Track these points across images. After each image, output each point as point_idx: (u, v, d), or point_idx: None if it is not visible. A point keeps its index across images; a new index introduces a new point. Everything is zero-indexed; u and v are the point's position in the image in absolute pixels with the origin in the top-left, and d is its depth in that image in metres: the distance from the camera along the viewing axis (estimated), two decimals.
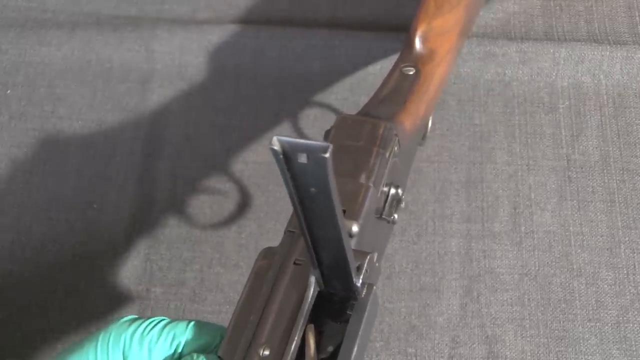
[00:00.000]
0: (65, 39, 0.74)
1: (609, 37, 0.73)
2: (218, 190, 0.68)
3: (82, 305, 0.63)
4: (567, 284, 0.63)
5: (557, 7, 0.75)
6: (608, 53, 0.71)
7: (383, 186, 0.46)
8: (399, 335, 0.62)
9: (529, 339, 0.61)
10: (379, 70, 0.72)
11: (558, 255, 0.64)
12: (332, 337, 0.40)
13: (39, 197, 0.68)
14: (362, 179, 0.44)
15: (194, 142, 0.70)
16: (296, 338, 0.38)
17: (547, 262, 0.64)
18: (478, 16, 0.70)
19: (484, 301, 0.63)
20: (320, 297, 0.40)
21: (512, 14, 0.75)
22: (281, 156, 0.29)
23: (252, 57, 0.73)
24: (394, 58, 0.57)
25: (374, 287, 0.40)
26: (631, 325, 0.61)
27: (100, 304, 0.63)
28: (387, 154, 0.46)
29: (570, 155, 0.68)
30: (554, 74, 0.71)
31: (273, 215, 0.66)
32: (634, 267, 0.63)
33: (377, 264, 0.43)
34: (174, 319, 0.43)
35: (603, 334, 0.61)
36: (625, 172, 0.67)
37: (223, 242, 0.66)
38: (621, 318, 0.62)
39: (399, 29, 0.69)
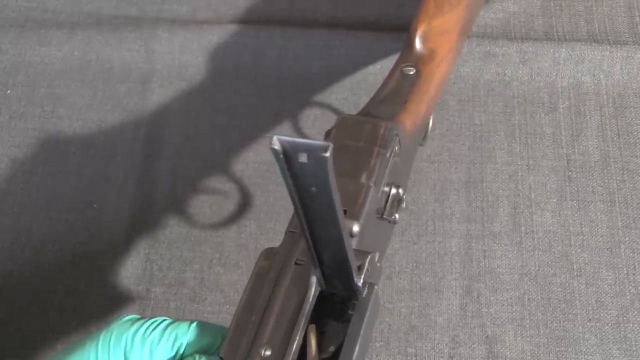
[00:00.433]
0: (65, 39, 0.74)
1: (609, 37, 0.73)
2: (218, 190, 0.68)
3: (82, 305, 0.63)
4: (567, 284, 0.63)
5: (557, 7, 0.75)
6: (608, 53, 0.71)
7: (384, 186, 0.46)
8: (399, 335, 0.62)
9: (529, 339, 0.61)
10: (379, 70, 0.72)
11: (558, 255, 0.64)
12: (333, 337, 0.40)
13: (39, 197, 0.68)
14: (363, 179, 0.44)
15: (194, 142, 0.70)
16: (297, 338, 0.38)
17: (547, 262, 0.64)
18: (478, 16, 0.70)
19: (484, 301, 0.63)
20: (321, 297, 0.40)
21: (512, 14, 0.75)
22: (281, 156, 0.29)
23: (252, 57, 0.73)
24: (394, 58, 0.57)
25: (375, 287, 0.40)
26: (631, 325, 0.61)
27: (100, 304, 0.63)
28: (388, 154, 0.46)
29: (570, 155, 0.68)
30: (554, 74, 0.71)
31: (273, 215, 0.66)
32: (634, 267, 0.63)
33: (378, 264, 0.43)
34: (176, 320, 0.43)
35: (603, 334, 0.61)
36: (625, 172, 0.67)
37: (223, 242, 0.66)
38: (621, 318, 0.62)
39: (399, 29, 0.69)
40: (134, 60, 0.73)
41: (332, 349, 0.40)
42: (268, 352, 0.39)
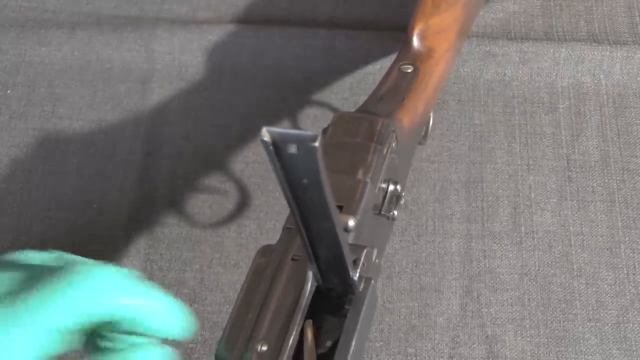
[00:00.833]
0: (65, 39, 0.74)
1: (609, 37, 0.73)
2: (218, 190, 0.68)
3: None
4: (567, 284, 0.63)
5: (557, 7, 0.75)
6: (608, 53, 0.71)
7: (381, 182, 0.46)
8: (399, 335, 0.62)
9: (529, 339, 0.61)
10: (378, 70, 0.72)
11: (558, 255, 0.64)
12: (330, 333, 0.40)
13: (39, 197, 0.68)
14: (360, 174, 0.44)
15: (193, 142, 0.70)
16: (294, 333, 0.38)
17: (547, 262, 0.64)
18: (478, 15, 0.70)
19: (484, 301, 0.62)
20: (319, 293, 0.40)
21: (512, 14, 0.75)
22: (271, 147, 0.29)
23: (252, 56, 0.73)
24: (393, 57, 0.57)
25: (372, 281, 0.40)
26: (631, 325, 0.61)
27: None
28: (385, 150, 0.46)
29: (570, 155, 0.68)
30: (554, 74, 0.71)
31: (273, 215, 0.66)
32: (634, 267, 0.63)
33: (376, 261, 0.43)
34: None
35: (603, 334, 0.61)
36: (625, 172, 0.67)
37: (223, 242, 0.66)
38: (621, 318, 0.61)
39: (399, 29, 0.68)
40: (134, 60, 0.74)
41: (329, 343, 0.39)
42: (264, 348, 0.38)
